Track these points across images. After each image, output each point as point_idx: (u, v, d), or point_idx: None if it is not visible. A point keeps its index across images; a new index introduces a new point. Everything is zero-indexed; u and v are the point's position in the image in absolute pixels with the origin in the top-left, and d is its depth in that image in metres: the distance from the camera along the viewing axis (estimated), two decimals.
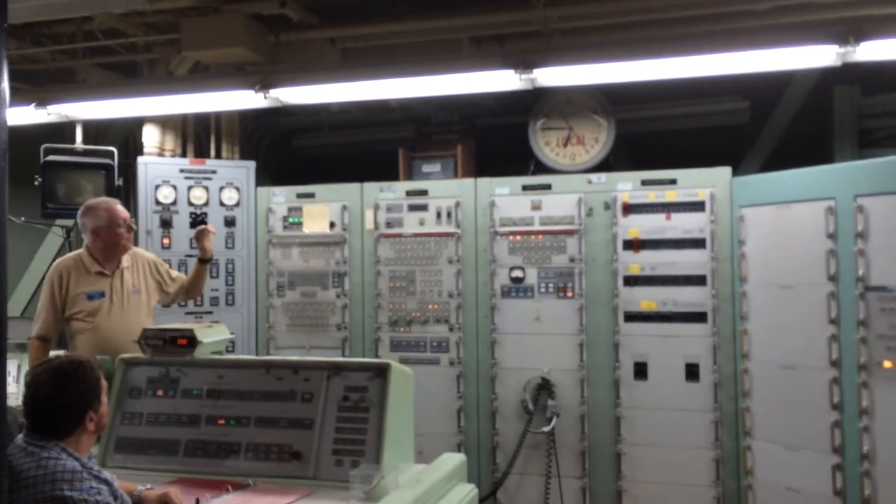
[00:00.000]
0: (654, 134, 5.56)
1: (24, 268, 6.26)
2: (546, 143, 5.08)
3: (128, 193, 5.99)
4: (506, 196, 4.79)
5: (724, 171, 4.48)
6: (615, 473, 4.54)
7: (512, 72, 4.02)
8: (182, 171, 5.30)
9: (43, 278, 6.00)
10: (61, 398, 2.27)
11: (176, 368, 3.05)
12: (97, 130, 6.05)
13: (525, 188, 4.78)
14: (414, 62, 4.33)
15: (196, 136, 5.81)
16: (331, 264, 5.08)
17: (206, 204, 5.30)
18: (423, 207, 4.93)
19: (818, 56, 3.75)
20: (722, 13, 4.32)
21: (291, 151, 6.67)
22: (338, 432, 2.76)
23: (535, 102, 5.10)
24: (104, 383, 2.42)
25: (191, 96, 4.60)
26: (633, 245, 4.55)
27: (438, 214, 4.89)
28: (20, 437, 2.29)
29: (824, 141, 5.19)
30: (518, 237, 4.75)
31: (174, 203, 5.25)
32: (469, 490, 2.89)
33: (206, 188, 5.31)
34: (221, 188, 5.34)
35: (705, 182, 4.48)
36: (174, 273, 4.29)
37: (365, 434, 2.71)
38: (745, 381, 4.28)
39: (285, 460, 2.77)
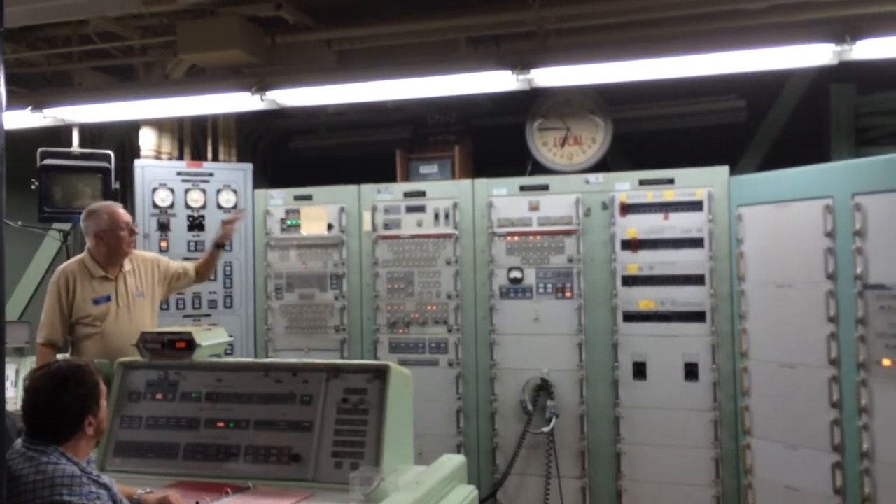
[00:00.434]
0: (651, 133, 5.57)
1: (22, 272, 6.25)
2: (543, 144, 5.07)
3: (125, 197, 5.97)
4: (503, 197, 4.79)
5: (722, 171, 4.48)
6: (615, 473, 4.54)
7: (509, 72, 4.03)
8: (179, 173, 5.29)
9: (40, 283, 6.03)
10: (60, 403, 2.27)
11: (175, 372, 3.05)
12: (93, 134, 6.05)
13: (523, 189, 4.78)
14: (410, 63, 4.33)
15: (193, 138, 5.81)
16: (329, 266, 5.07)
17: (203, 206, 5.29)
18: (421, 209, 4.93)
19: (815, 55, 3.76)
20: (718, 12, 4.32)
21: (288, 153, 6.67)
22: (337, 434, 2.75)
23: (532, 103, 5.10)
24: (103, 387, 2.41)
25: (187, 99, 4.60)
26: (631, 245, 4.55)
27: (436, 215, 4.89)
28: (19, 441, 2.28)
29: (821, 139, 5.20)
30: (516, 238, 4.75)
31: (171, 206, 5.24)
32: (469, 491, 2.89)
33: (204, 191, 5.30)
34: (219, 191, 5.33)
35: (703, 181, 4.48)
36: (174, 264, 4.29)
37: (364, 436, 2.71)
38: (745, 379, 4.29)
39: (285, 463, 2.76)
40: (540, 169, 5.08)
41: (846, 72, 4.43)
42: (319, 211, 5.10)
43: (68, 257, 4.59)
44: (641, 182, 4.58)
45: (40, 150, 5.17)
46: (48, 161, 5.14)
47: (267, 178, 6.20)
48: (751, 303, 4.27)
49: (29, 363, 4.70)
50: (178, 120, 5.60)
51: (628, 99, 5.34)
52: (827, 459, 3.87)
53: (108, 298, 3.90)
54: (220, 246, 4.41)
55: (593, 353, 4.59)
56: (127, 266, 4.00)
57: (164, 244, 5.20)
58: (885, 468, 3.68)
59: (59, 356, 3.85)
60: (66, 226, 5.42)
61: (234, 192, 5.35)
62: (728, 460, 4.36)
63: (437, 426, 4.74)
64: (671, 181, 4.53)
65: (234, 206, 5.33)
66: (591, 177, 4.70)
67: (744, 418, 4.29)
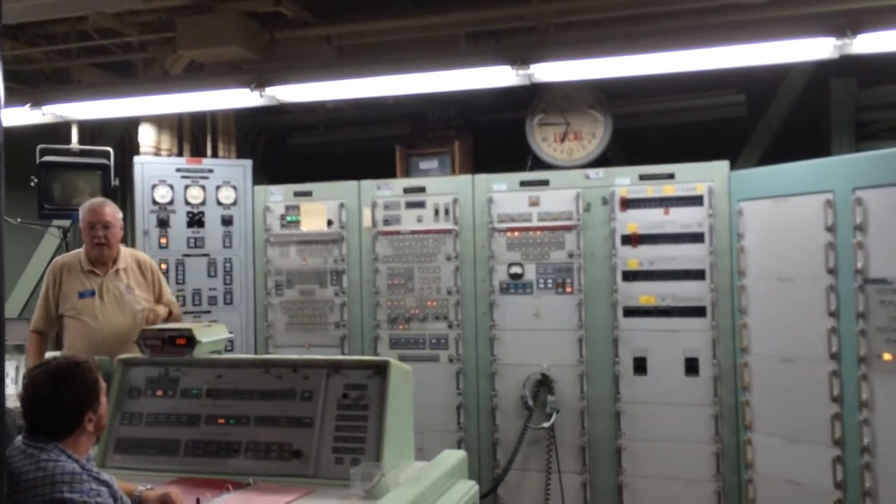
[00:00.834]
0: (651, 128, 5.55)
1: (21, 269, 6.24)
2: (543, 139, 5.07)
3: (124, 193, 5.98)
4: (503, 192, 4.78)
5: (722, 165, 4.48)
6: (616, 468, 4.54)
7: (508, 67, 4.02)
8: (178, 170, 5.28)
9: (40, 280, 6.01)
10: (59, 400, 2.26)
11: (175, 368, 3.05)
12: (93, 130, 6.04)
13: (523, 184, 4.77)
14: (410, 59, 4.32)
15: (192, 135, 5.80)
16: (329, 262, 5.07)
17: (203, 203, 5.28)
18: (421, 204, 4.92)
19: (815, 49, 3.75)
20: (718, 6, 4.32)
21: (288, 150, 6.66)
22: (338, 430, 2.76)
23: (531, 98, 5.09)
24: (103, 384, 2.41)
25: (186, 95, 4.59)
26: (631, 240, 4.54)
27: (436, 211, 4.88)
28: (19, 438, 2.28)
29: (822, 134, 5.19)
30: (516, 233, 4.74)
31: (171, 202, 5.23)
32: (470, 487, 2.89)
33: (203, 187, 5.29)
34: (218, 187, 5.32)
35: (703, 176, 4.47)
36: (167, 294, 4.19)
37: (365, 432, 2.71)
38: (745, 374, 4.28)
39: (285, 459, 2.77)
40: (540, 164, 5.07)
41: (846, 66, 4.42)
42: (319, 207, 5.10)
43: None
44: (641, 177, 4.57)
45: (39, 146, 5.17)
46: (47, 158, 5.15)
47: (266, 174, 6.19)
48: (751, 297, 4.27)
49: (28, 360, 4.70)
50: (177, 116, 5.59)
51: (628, 94, 5.33)
52: (828, 454, 3.87)
53: (93, 293, 3.92)
54: None
55: (594, 348, 4.59)
56: (122, 263, 4.01)
57: (163, 241, 5.19)
58: (885, 462, 3.68)
59: (50, 354, 3.88)
60: (66, 222, 5.42)
61: (234, 188, 5.34)
62: (729, 455, 4.36)
63: (437, 422, 4.74)
64: (671, 176, 4.52)
65: (234, 203, 5.32)
66: (591, 172, 4.69)
67: (744, 413, 4.29)
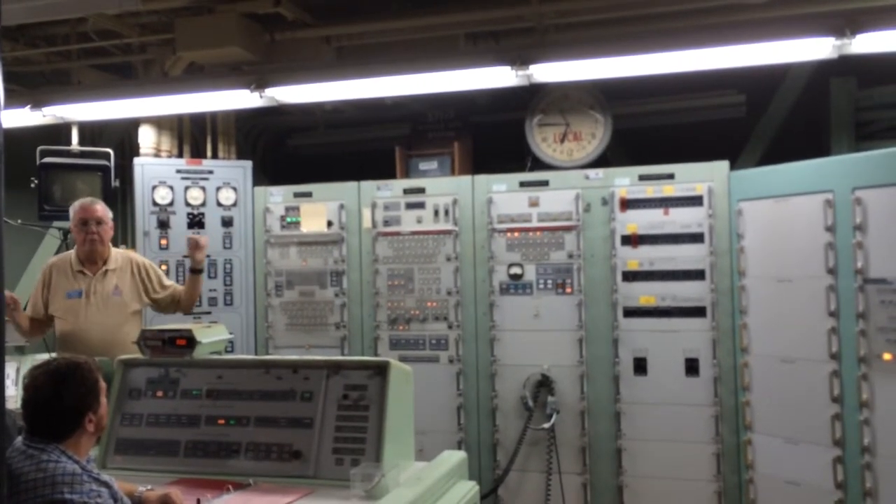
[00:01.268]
0: (650, 129, 5.56)
1: (22, 270, 6.23)
2: (543, 139, 5.07)
3: (125, 195, 5.99)
4: (503, 193, 4.78)
5: (722, 166, 4.48)
6: (616, 469, 4.54)
7: (508, 68, 4.02)
8: (179, 171, 5.28)
9: None
10: (60, 401, 2.26)
11: (175, 369, 3.05)
12: (93, 132, 6.05)
13: (522, 184, 4.77)
14: (409, 60, 4.32)
15: (192, 136, 5.80)
16: (329, 263, 5.07)
17: (203, 204, 5.28)
18: (421, 205, 4.92)
19: (814, 49, 3.75)
20: (717, 6, 4.32)
21: (288, 151, 6.66)
22: (338, 431, 2.75)
23: (531, 98, 5.09)
24: (103, 385, 2.41)
25: (186, 96, 4.59)
26: (631, 240, 4.54)
27: (436, 212, 4.88)
28: (19, 439, 2.28)
29: (821, 134, 5.19)
30: (516, 234, 4.75)
31: (171, 204, 5.23)
32: (470, 487, 2.89)
33: (203, 188, 5.29)
34: (218, 188, 5.32)
35: (703, 176, 4.47)
36: (167, 281, 4.28)
37: (365, 432, 2.71)
38: (745, 375, 4.28)
39: (285, 460, 2.76)
40: (539, 165, 5.07)
41: (846, 66, 4.42)
42: (319, 208, 5.10)
43: None
44: (641, 177, 4.57)
45: (40, 148, 5.17)
46: (48, 159, 5.14)
47: (266, 175, 6.19)
48: (751, 298, 4.27)
49: (29, 361, 4.70)
50: (177, 118, 5.59)
51: (628, 94, 5.33)
52: (828, 454, 3.87)
53: (80, 294, 3.93)
54: (196, 271, 4.26)
55: (594, 348, 4.59)
56: (112, 264, 4.03)
57: (164, 242, 5.19)
58: (886, 462, 3.68)
59: (47, 356, 3.89)
60: (66, 224, 5.40)
61: (234, 189, 5.34)
62: (729, 455, 4.36)
63: (437, 422, 4.74)
64: (671, 176, 4.52)
65: (234, 204, 5.33)
66: (591, 172, 4.70)
67: (745, 413, 4.28)
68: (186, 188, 5.27)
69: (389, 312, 4.95)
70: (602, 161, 4.97)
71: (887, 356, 3.66)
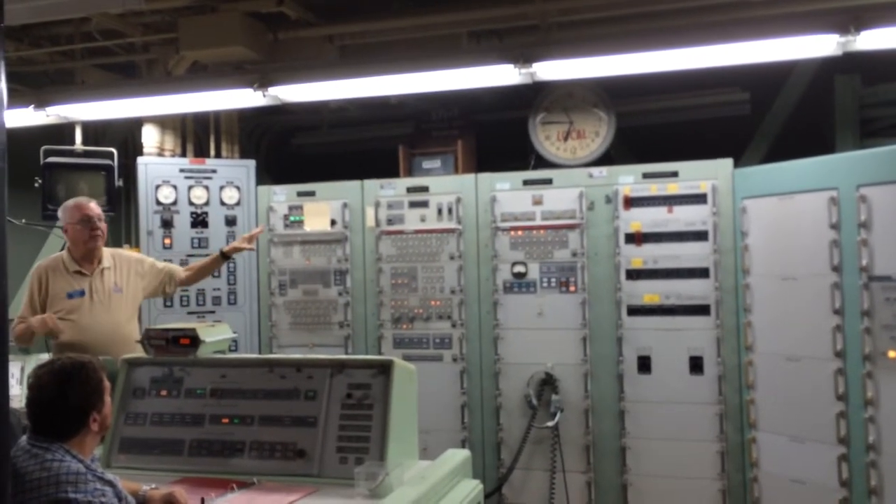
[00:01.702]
0: (654, 127, 5.54)
1: (26, 270, 6.21)
2: (546, 138, 5.06)
3: (128, 194, 6.00)
4: (507, 191, 4.78)
5: (726, 163, 4.47)
6: (620, 467, 4.53)
7: (511, 66, 4.01)
8: (182, 170, 5.29)
9: None
10: (64, 400, 2.27)
11: (179, 368, 3.05)
12: (96, 131, 6.05)
13: (526, 183, 4.77)
14: (412, 58, 4.32)
15: (195, 135, 5.81)
16: (332, 262, 5.07)
17: (206, 203, 5.29)
18: (424, 204, 4.92)
19: (819, 46, 3.74)
20: (721, 4, 4.31)
21: (291, 150, 6.66)
22: (342, 430, 2.76)
23: (534, 97, 5.08)
24: (107, 384, 2.41)
25: (190, 96, 4.60)
26: (635, 238, 4.53)
27: (439, 211, 4.88)
28: (24, 438, 2.28)
29: (826, 131, 5.17)
30: (520, 232, 4.74)
31: (175, 203, 5.24)
32: (474, 486, 2.89)
33: (207, 188, 5.30)
34: (222, 187, 5.33)
35: (707, 174, 4.46)
36: (160, 264, 4.33)
37: (369, 431, 2.71)
38: (750, 373, 4.27)
39: (289, 458, 2.77)
40: (543, 163, 5.07)
41: (850, 63, 4.41)
42: (322, 207, 5.10)
43: None
44: (645, 175, 4.56)
45: (43, 148, 5.18)
46: (51, 159, 5.15)
47: (270, 174, 6.19)
48: (755, 296, 4.26)
49: (33, 361, 4.71)
50: (180, 117, 5.60)
51: (631, 92, 5.32)
52: (833, 452, 3.86)
53: (83, 293, 3.94)
54: (227, 257, 4.43)
55: (598, 347, 4.59)
56: (106, 262, 4.04)
57: (167, 241, 5.20)
58: (891, 460, 3.67)
59: (45, 356, 3.88)
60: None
61: (237, 188, 5.35)
62: (734, 454, 4.35)
63: (441, 421, 4.74)
64: (675, 174, 4.51)
65: (238, 203, 5.33)
66: (595, 170, 4.69)
67: (749, 411, 4.28)
68: (190, 187, 5.27)
69: (393, 311, 4.95)
70: (606, 159, 4.96)
71: (892, 354, 3.65)
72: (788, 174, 4.12)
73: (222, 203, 5.32)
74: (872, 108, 5.06)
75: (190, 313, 5.18)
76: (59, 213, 4.04)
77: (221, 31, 4.50)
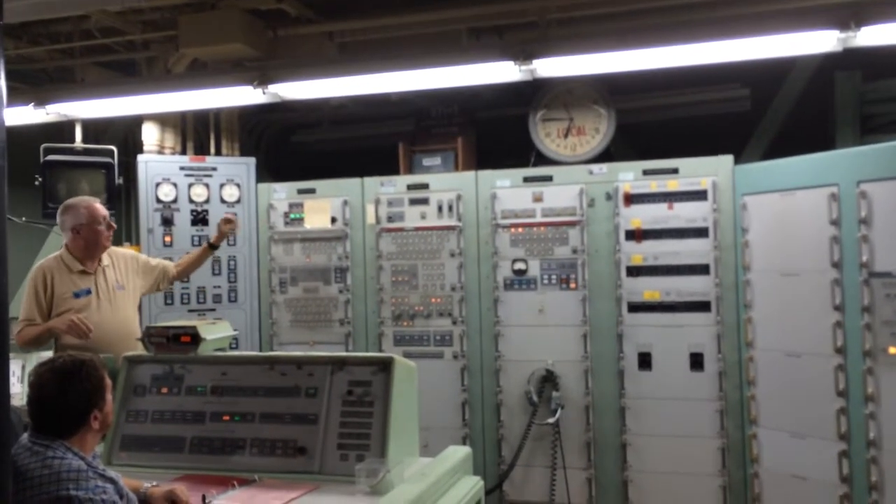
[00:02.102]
0: (654, 123, 5.54)
1: (27, 268, 6.21)
2: (546, 135, 5.06)
3: (128, 192, 6.00)
4: (507, 188, 4.78)
5: (726, 160, 4.46)
6: (621, 464, 4.53)
7: (511, 63, 4.01)
8: (182, 168, 5.29)
9: None
10: (65, 398, 2.27)
11: (180, 366, 3.06)
12: (96, 129, 6.05)
13: (526, 180, 4.77)
14: (412, 55, 4.31)
15: (196, 133, 5.80)
16: (333, 259, 5.07)
17: (206, 201, 5.29)
18: (425, 201, 4.92)
19: (819, 42, 3.73)
20: (721, 0, 4.30)
21: (291, 147, 6.66)
22: (342, 427, 2.76)
23: (534, 93, 5.08)
24: (108, 381, 2.41)
25: (189, 93, 4.60)
26: (635, 235, 4.53)
27: (440, 208, 4.88)
28: (25, 436, 2.29)
29: (826, 127, 5.17)
30: (520, 229, 4.74)
31: (175, 201, 5.24)
32: (475, 482, 2.89)
33: (207, 185, 5.30)
34: (222, 185, 5.33)
35: (707, 171, 4.46)
36: (154, 261, 4.38)
37: (370, 428, 2.71)
38: (750, 369, 4.27)
39: (290, 455, 2.77)
40: (543, 160, 5.07)
41: (851, 59, 4.40)
42: (323, 204, 5.10)
43: None
44: (645, 172, 4.56)
45: (43, 146, 5.18)
46: (51, 157, 5.16)
47: (270, 172, 6.19)
48: (756, 292, 4.26)
49: (34, 359, 4.71)
50: (180, 114, 5.59)
51: (631, 89, 5.31)
52: (833, 448, 3.86)
53: (89, 291, 3.95)
54: (214, 247, 4.51)
55: (598, 343, 4.59)
56: (105, 260, 4.06)
57: (168, 239, 5.20)
58: (891, 456, 3.67)
59: (47, 353, 3.88)
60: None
61: (238, 186, 5.34)
62: (734, 450, 4.36)
63: (442, 418, 4.75)
64: (675, 171, 4.51)
65: (238, 201, 5.33)
66: (595, 167, 4.69)
67: (750, 408, 4.28)
68: (190, 185, 5.27)
69: (394, 308, 4.95)
70: (606, 156, 4.96)
71: (893, 350, 3.65)
72: (789, 170, 4.12)
73: (222, 201, 5.32)
74: (873, 105, 5.06)
75: (191, 311, 5.18)
76: (64, 215, 3.97)
77: (221, 29, 4.50)
